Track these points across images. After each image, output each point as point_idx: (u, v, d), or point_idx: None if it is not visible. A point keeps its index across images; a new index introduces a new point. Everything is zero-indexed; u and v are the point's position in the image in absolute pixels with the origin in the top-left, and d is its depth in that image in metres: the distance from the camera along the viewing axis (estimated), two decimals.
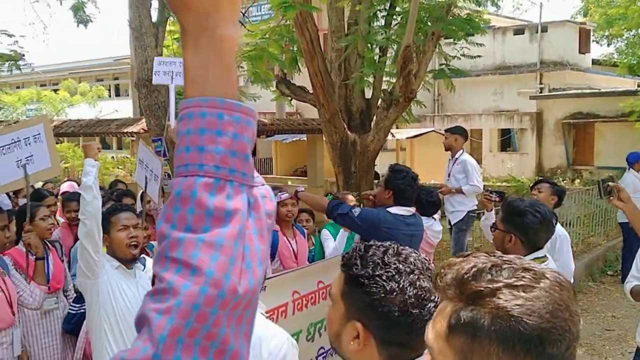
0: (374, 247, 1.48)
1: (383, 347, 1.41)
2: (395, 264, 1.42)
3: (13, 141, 4.34)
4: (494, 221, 3.49)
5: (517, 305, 0.93)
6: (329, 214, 4.24)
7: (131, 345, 0.74)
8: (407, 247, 1.50)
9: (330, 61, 9.52)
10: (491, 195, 4.60)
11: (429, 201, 5.62)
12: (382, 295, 1.39)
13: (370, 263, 1.43)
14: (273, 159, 23.98)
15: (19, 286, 3.68)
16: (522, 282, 0.96)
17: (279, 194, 4.50)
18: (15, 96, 29.22)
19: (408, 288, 1.38)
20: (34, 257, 4.02)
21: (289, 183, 16.57)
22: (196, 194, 0.76)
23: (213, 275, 0.73)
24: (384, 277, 1.40)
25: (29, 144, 4.41)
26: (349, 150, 9.20)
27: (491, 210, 4.62)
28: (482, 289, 0.96)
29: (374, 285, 1.40)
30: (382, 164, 17.32)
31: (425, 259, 1.49)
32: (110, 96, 33.52)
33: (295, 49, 10.23)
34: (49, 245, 4.37)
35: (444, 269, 1.05)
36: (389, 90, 8.92)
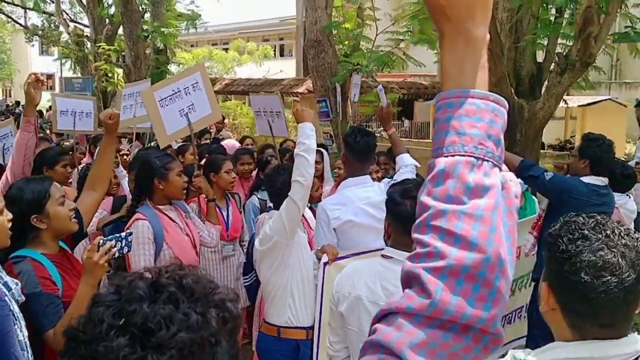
0: (584, 215, 1.49)
1: (565, 313, 1.43)
2: (586, 231, 1.42)
3: (174, 92, 4.61)
4: None
5: None
6: (519, 173, 4.15)
7: (401, 295, 0.87)
8: (613, 220, 1.48)
9: (500, 22, 9.09)
10: None
11: (624, 174, 5.05)
12: (557, 254, 1.42)
13: (565, 226, 1.46)
14: (431, 123, 23.62)
15: (199, 227, 3.99)
16: None
17: None
18: (189, 54, 31.27)
19: (586, 254, 1.38)
20: (206, 199, 4.34)
21: None
22: (458, 171, 0.86)
23: (477, 242, 0.82)
24: (565, 239, 1.43)
25: (189, 93, 4.65)
26: (515, 116, 8.80)
27: None
28: None
29: (555, 244, 1.44)
30: (548, 133, 16.40)
31: (633, 235, 1.43)
32: (275, 56, 34.74)
33: None
34: (230, 196, 4.71)
35: None
36: (564, 53, 8.36)
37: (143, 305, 0.80)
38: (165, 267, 0.88)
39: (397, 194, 2.37)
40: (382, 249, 3.49)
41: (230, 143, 8.11)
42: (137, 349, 0.76)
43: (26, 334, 2.29)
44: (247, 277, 4.24)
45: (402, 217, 2.30)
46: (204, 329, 0.80)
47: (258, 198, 5.06)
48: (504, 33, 9.08)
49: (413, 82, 16.35)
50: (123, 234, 2.62)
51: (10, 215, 2.38)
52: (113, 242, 2.48)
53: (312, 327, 3.40)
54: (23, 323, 2.28)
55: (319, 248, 3.53)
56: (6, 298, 2.21)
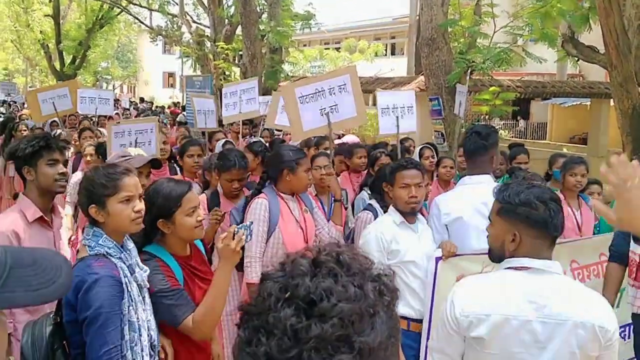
0: None
1: None
2: None
3: (317, 91, 4.77)
4: None
5: None
6: None
7: None
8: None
9: (628, 19, 8.62)
10: None
11: None
12: None
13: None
14: (548, 124, 22.70)
15: (320, 223, 4.10)
16: None
17: None
18: (301, 54, 31.83)
19: None
20: (333, 199, 4.44)
21: (565, 150, 15.59)
22: None
23: None
24: None
25: (334, 93, 4.78)
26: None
27: None
28: None
29: None
30: None
31: None
32: (386, 54, 34.67)
33: (587, 5, 9.46)
34: None
35: None
36: None
37: (305, 280, 0.89)
38: (324, 245, 0.97)
39: (534, 197, 2.17)
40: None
41: (350, 138, 8.24)
42: (303, 318, 0.84)
43: (144, 317, 2.41)
44: None
45: (538, 222, 2.14)
46: (362, 300, 0.87)
47: (368, 193, 5.12)
48: (632, 30, 8.61)
49: (530, 80, 15.79)
50: (247, 223, 2.77)
51: (140, 206, 2.51)
52: (243, 230, 2.63)
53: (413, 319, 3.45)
54: (140, 307, 2.41)
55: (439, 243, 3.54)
56: (125, 280, 2.35)
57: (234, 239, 2.56)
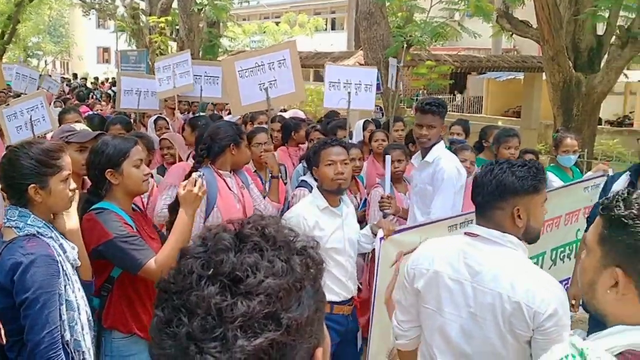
0: (638, 191, 1.39)
1: None
2: None
3: (256, 65, 4.66)
4: None
5: None
6: None
7: None
8: None
9: None
10: None
11: None
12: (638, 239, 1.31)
13: (636, 204, 1.35)
14: (484, 98, 23.20)
15: (256, 200, 4.05)
16: None
17: None
18: (240, 28, 31.33)
19: None
20: (270, 175, 4.40)
21: (499, 124, 15.99)
22: None
23: None
24: None
25: (273, 68, 4.69)
26: (572, 91, 8.60)
27: None
28: None
29: (631, 226, 1.33)
30: (606, 109, 15.90)
31: None
32: (326, 29, 34.56)
33: None
34: None
35: None
36: (626, 26, 8.10)
37: (230, 255, 0.85)
38: (247, 218, 0.93)
39: (491, 171, 2.17)
40: (440, 220, 3.52)
41: (294, 112, 8.13)
42: (228, 296, 0.81)
43: (79, 295, 2.38)
44: None
45: (495, 192, 2.15)
46: (289, 274, 0.84)
47: (304, 167, 5.09)
48: (564, 5, 8.84)
49: (466, 55, 16.05)
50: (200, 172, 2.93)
51: (74, 185, 2.48)
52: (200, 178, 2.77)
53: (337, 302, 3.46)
54: (77, 285, 2.38)
55: (375, 223, 3.55)
56: (59, 258, 2.29)
57: (195, 185, 2.68)
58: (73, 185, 2.47)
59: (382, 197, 3.95)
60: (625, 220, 1.35)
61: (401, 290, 2.43)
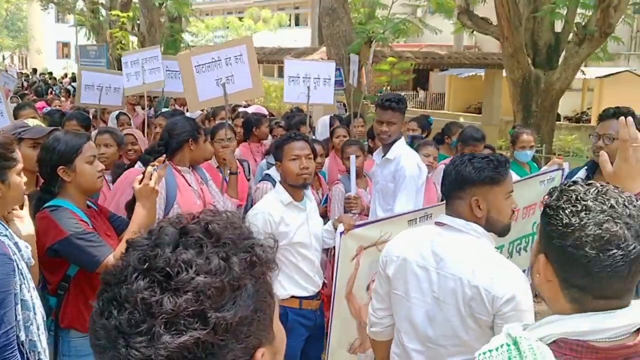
0: (582, 184, 1.41)
1: (564, 286, 1.36)
2: (589, 202, 1.34)
3: (213, 60, 4.61)
4: None
5: None
6: None
7: None
8: (621, 190, 1.39)
9: None
10: None
11: None
12: (559, 227, 1.34)
13: (564, 196, 1.38)
14: (446, 94, 23.46)
15: (215, 197, 4.01)
16: None
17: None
18: (203, 23, 31.02)
19: (590, 227, 1.30)
20: (229, 171, 4.36)
21: (461, 120, 16.19)
22: None
23: None
24: (567, 211, 1.33)
25: (230, 64, 4.64)
26: (532, 87, 8.75)
27: None
28: None
29: (555, 216, 1.36)
30: (564, 105, 16.24)
31: (636, 204, 1.35)
32: (290, 25, 34.47)
33: None
34: (239, 163, 4.72)
35: None
36: (583, 23, 8.27)
37: (166, 250, 0.84)
38: (200, 212, 0.92)
39: (453, 162, 2.29)
40: (400, 215, 3.55)
41: (256, 109, 8.09)
42: (157, 292, 0.80)
43: (34, 294, 2.31)
44: None
45: (455, 182, 2.24)
46: (225, 273, 0.83)
47: (267, 162, 5.07)
48: (523, 2, 8.98)
49: (429, 51, 16.19)
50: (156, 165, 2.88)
51: (25, 178, 2.40)
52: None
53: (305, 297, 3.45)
54: (32, 285, 2.31)
55: (336, 218, 3.55)
56: (14, 257, 2.22)
57: (151, 178, 2.67)
58: (24, 178, 2.40)
59: (348, 198, 3.97)
60: (548, 210, 1.39)
61: (377, 279, 2.52)
